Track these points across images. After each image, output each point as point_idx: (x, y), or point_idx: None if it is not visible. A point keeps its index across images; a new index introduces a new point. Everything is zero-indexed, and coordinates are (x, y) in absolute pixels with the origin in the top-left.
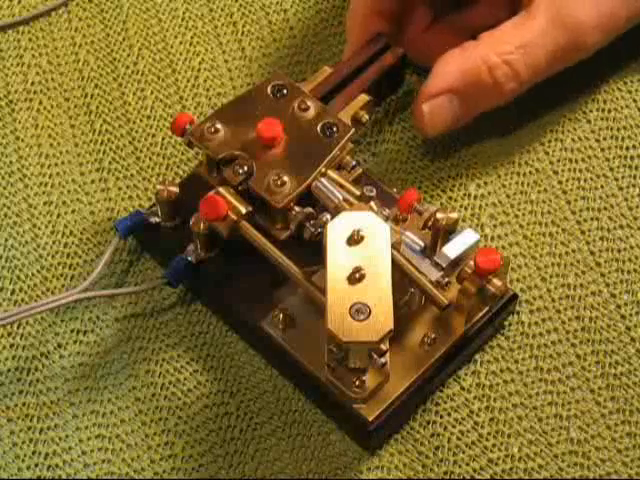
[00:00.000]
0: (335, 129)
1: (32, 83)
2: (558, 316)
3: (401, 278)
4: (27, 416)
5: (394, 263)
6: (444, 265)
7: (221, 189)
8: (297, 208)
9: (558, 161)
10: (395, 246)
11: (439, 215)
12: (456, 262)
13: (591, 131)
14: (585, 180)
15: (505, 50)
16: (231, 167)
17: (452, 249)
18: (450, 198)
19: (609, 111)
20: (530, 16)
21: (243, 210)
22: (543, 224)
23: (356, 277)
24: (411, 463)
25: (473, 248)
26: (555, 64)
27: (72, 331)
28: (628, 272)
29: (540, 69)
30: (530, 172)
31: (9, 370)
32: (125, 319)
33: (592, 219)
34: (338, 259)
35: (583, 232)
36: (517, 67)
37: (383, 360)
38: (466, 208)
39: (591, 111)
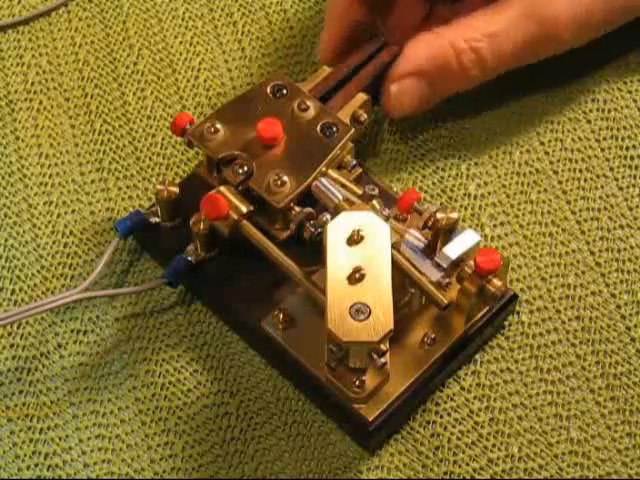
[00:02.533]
0: (335, 129)
1: (32, 83)
2: (558, 316)
3: (401, 278)
4: (27, 416)
5: (394, 263)
6: (445, 266)
7: (222, 188)
8: (297, 208)
9: (558, 161)
10: (395, 246)
11: (439, 215)
12: (456, 262)
13: (591, 131)
14: (585, 180)
15: (473, 37)
16: (231, 167)
17: (453, 250)
18: (450, 198)
19: (609, 111)
20: (503, 6)
21: (244, 209)
22: (543, 224)
23: (356, 277)
24: (411, 463)
25: (474, 249)
26: (524, 56)
27: (72, 331)
28: (628, 272)
29: (507, 59)
30: (530, 172)
31: (9, 370)
32: (125, 319)
33: (592, 219)
34: (338, 259)
35: (583, 232)
36: (483, 54)
37: (383, 360)
38: (466, 208)
39: (591, 111)
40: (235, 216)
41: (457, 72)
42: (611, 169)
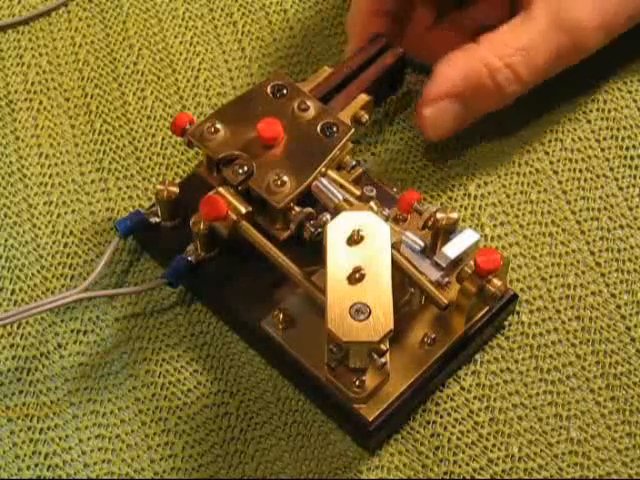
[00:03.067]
0: (335, 129)
1: (32, 83)
2: (558, 316)
3: (401, 278)
4: (27, 416)
5: (394, 263)
6: (444, 265)
7: (221, 189)
8: (297, 208)
9: (558, 161)
10: (395, 246)
11: (439, 215)
12: (456, 262)
13: (591, 131)
14: (585, 180)
15: (506, 53)
16: (231, 167)
17: (452, 249)
18: (450, 198)
19: (609, 111)
20: (530, 17)
21: (243, 210)
22: (543, 224)
23: (356, 277)
24: (411, 463)
25: (473, 248)
26: (556, 65)
27: (72, 331)
28: (628, 272)
29: (541, 70)
30: (530, 172)
31: (9, 370)
32: (125, 319)
33: (592, 219)
34: (338, 259)
35: (583, 232)
36: (518, 69)
37: (383, 360)
38: (466, 208)
39: (591, 111)
40: (234, 217)
41: (492, 90)
42: (611, 169)
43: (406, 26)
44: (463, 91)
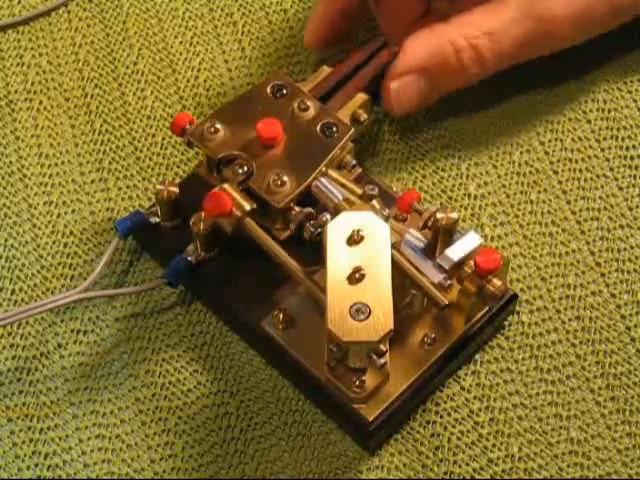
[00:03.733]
0: (335, 129)
1: (32, 83)
2: (558, 316)
3: (401, 279)
4: (27, 416)
5: (394, 263)
6: (447, 267)
7: (225, 185)
8: (297, 208)
9: (558, 161)
10: (395, 246)
11: (439, 215)
12: (458, 264)
13: (591, 131)
14: (585, 180)
15: (472, 34)
16: (231, 167)
17: (455, 252)
18: (450, 198)
19: (609, 111)
20: (502, 3)
21: (247, 207)
22: (543, 224)
23: (356, 277)
24: (411, 463)
25: (475, 251)
26: (523, 53)
27: (72, 331)
28: (628, 272)
29: (506, 56)
30: (530, 172)
31: (9, 370)
32: (125, 319)
33: (592, 219)
34: (338, 259)
35: (583, 232)
36: (482, 52)
37: (383, 360)
38: (466, 208)
39: (591, 111)
40: (238, 213)
41: (456, 69)
42: (611, 169)
43: (397, 19)
44: (428, 67)
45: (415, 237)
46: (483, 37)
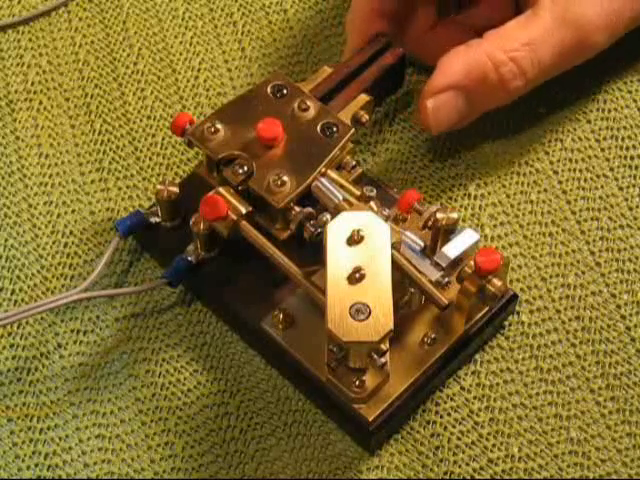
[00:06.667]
0: (335, 129)
1: (32, 83)
2: (558, 316)
3: (401, 278)
4: (27, 416)
5: (394, 263)
6: (444, 265)
7: (221, 189)
8: (297, 208)
9: (558, 161)
10: (395, 246)
11: (439, 215)
12: (456, 262)
13: (591, 131)
14: (585, 180)
15: (511, 47)
16: (231, 167)
17: (452, 249)
18: (450, 198)
19: (609, 111)
20: (536, 14)
21: (243, 210)
22: (543, 224)
23: (356, 277)
24: (411, 463)
25: (473, 248)
26: (561, 63)
27: (72, 331)
28: (628, 272)
29: (546, 67)
30: (530, 172)
31: (9, 370)
32: (125, 319)
33: (592, 219)
34: (338, 259)
35: (583, 232)
36: (523, 64)
37: (383, 360)
38: (466, 208)
39: (591, 111)
40: (234, 217)
41: (496, 85)
42: (611, 169)
43: (407, 26)
44: (467, 84)
45: (415, 237)
46: (522, 49)
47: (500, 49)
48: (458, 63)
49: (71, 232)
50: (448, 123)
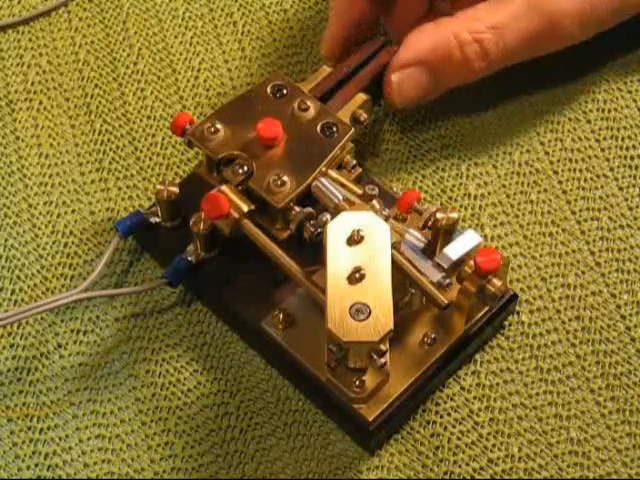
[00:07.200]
0: (335, 129)
1: (32, 83)
2: (558, 316)
3: (401, 278)
4: (27, 416)
5: (394, 263)
6: (445, 266)
7: (223, 187)
8: (297, 208)
9: (558, 161)
10: (395, 246)
11: (439, 215)
12: (457, 263)
13: (591, 131)
14: (585, 180)
15: (477, 29)
16: (231, 167)
17: (454, 250)
18: (450, 198)
19: (609, 111)
20: None
21: (245, 208)
22: (543, 224)
23: (356, 277)
24: (411, 463)
25: (474, 249)
26: (528, 49)
27: (72, 331)
28: (628, 272)
29: (511, 52)
30: (530, 172)
31: (9, 370)
32: (125, 319)
33: (592, 219)
34: (338, 259)
35: (583, 232)
36: (487, 46)
37: (383, 360)
38: (466, 208)
39: (591, 111)
40: (236, 215)
41: (460, 63)
42: (611, 169)
43: (399, 17)
44: (431, 60)
45: (415, 237)
46: (488, 31)
47: (467, 29)
48: (425, 39)
49: (71, 232)
50: (412, 98)
